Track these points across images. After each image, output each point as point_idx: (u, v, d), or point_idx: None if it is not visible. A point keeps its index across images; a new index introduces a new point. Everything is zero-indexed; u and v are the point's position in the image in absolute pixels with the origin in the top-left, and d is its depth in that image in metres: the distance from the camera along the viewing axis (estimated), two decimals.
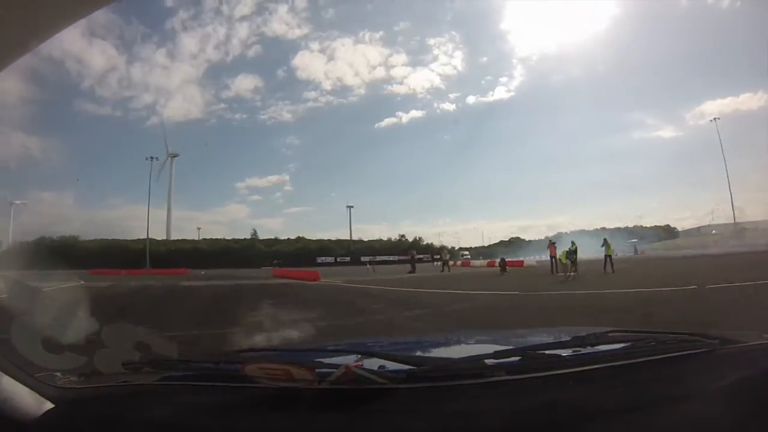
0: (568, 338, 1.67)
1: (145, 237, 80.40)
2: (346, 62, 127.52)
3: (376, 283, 21.46)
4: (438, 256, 73.68)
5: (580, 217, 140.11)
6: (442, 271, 33.16)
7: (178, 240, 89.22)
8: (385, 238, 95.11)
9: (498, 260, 35.29)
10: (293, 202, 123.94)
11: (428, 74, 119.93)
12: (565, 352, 1.47)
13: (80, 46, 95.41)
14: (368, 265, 47.37)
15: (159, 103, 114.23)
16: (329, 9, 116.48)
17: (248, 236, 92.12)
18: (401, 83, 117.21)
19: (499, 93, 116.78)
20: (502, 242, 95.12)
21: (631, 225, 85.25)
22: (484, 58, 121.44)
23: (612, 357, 1.43)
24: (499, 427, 1.16)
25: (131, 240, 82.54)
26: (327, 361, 1.48)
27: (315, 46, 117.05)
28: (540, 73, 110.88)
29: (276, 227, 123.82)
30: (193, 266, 60.62)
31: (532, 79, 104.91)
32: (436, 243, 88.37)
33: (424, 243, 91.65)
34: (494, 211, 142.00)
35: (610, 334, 1.69)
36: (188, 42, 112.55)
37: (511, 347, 1.57)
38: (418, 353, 1.86)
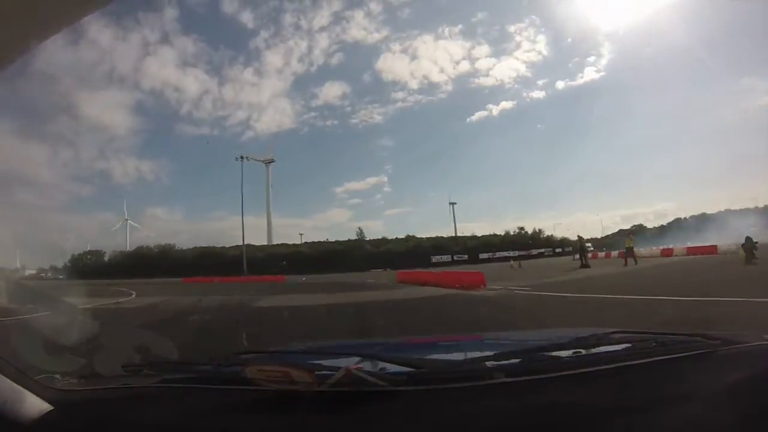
0: (569, 340, 1.66)
1: (247, 243, 78.64)
2: (429, 59, 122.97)
3: (579, 289, 13.29)
4: (560, 250, 70.16)
5: (688, 203, 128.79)
6: (583, 265, 26.13)
7: (278, 245, 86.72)
8: (501, 233, 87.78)
9: (704, 245, 29.55)
10: (393, 203, 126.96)
11: (513, 63, 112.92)
12: (565, 354, 1.46)
13: (176, 76, 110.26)
14: (511, 261, 41.49)
15: (252, 118, 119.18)
16: (405, 9, 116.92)
17: (352, 238, 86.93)
18: (487, 75, 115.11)
19: (589, 74, 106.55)
20: (621, 231, 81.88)
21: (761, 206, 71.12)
22: (569, 39, 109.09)
23: (613, 358, 1.42)
24: (500, 428, 1.16)
25: (229, 246, 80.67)
26: (327, 363, 1.45)
27: (396, 47, 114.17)
28: (630, 48, 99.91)
29: (378, 229, 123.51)
30: (294, 271, 56.94)
31: (621, 56, 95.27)
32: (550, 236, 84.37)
33: (545, 235, 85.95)
34: (595, 201, 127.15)
35: (610, 335, 1.69)
36: (273, 58, 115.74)
37: (512, 349, 1.59)
38: (419, 355, 1.81)
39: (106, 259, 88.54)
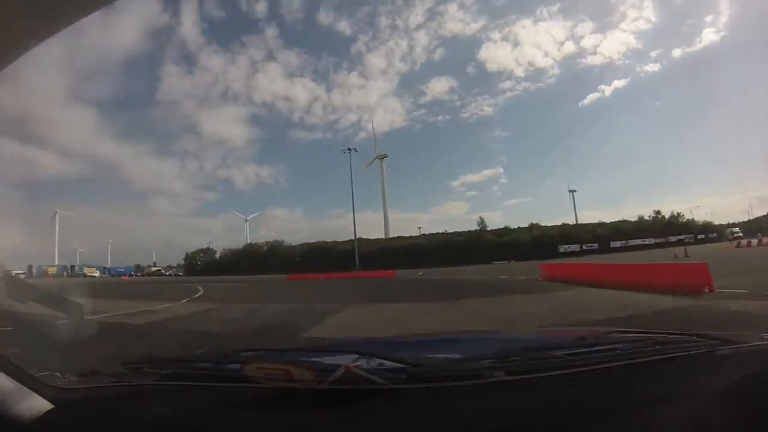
0: (568, 339, 1.68)
1: (362, 237, 77.08)
2: (532, 44, 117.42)
3: None
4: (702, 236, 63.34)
5: None
6: None
7: (393, 238, 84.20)
8: (634, 218, 78.62)
9: None
10: (510, 193, 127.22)
11: (621, 36, 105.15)
12: (564, 353, 1.45)
13: (285, 87, 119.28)
14: (675, 251, 34.61)
15: (363, 119, 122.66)
16: None
17: (472, 229, 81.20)
18: (594, 53, 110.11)
19: (708, 37, 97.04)
20: None
21: None
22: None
23: (612, 357, 1.40)
24: (499, 427, 1.15)
25: (342, 241, 79.32)
26: (326, 361, 1.46)
27: (496, 35, 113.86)
28: None
29: (497, 221, 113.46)
30: (410, 265, 53.21)
31: (744, 9, 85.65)
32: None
33: (684, 219, 76.44)
34: (727, 183, 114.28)
35: (610, 335, 1.69)
36: (375, 60, 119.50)
37: (511, 348, 1.59)
38: (418, 353, 1.82)
39: (217, 256, 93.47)
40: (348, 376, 1.28)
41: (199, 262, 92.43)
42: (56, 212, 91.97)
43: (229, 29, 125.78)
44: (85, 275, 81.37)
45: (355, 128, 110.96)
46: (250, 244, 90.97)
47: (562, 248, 66.55)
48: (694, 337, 1.54)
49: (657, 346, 1.48)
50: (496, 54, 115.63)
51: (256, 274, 56.59)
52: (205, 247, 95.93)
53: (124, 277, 70.09)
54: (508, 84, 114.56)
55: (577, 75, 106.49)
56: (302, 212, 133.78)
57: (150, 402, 1.36)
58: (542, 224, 77.66)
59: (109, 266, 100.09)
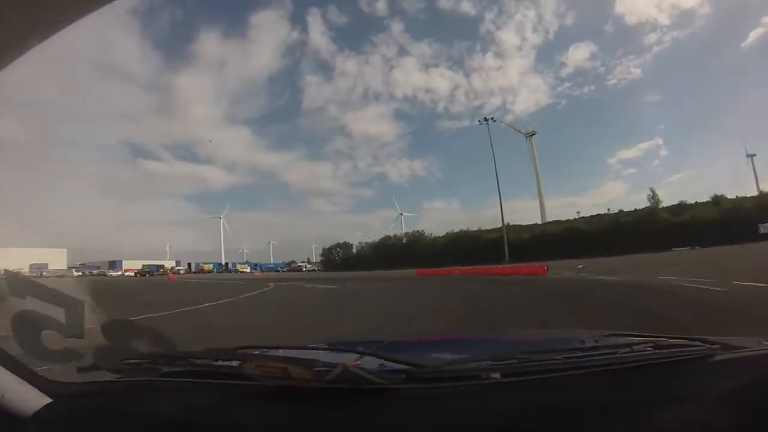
0: (567, 341, 1.68)
1: (513, 224, 69.09)
2: None
3: None
4: None
5: None
6: None
7: (548, 222, 73.67)
8: None
9: None
10: (672, 168, 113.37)
11: None
12: (563, 355, 1.45)
13: (423, 79, 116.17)
14: None
15: (508, 101, 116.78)
16: None
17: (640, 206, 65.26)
18: None
19: None
20: None
21: None
22: None
23: (610, 360, 1.40)
24: (499, 428, 1.16)
25: (488, 229, 70.89)
26: (325, 359, 1.45)
27: None
28: None
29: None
30: (567, 254, 44.15)
31: None
32: None
33: None
34: None
35: (608, 338, 1.70)
36: (507, 37, 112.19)
37: (510, 349, 1.60)
38: (417, 354, 1.81)
39: (354, 251, 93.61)
40: (347, 376, 1.27)
41: (335, 258, 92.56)
42: (221, 218, 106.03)
43: (356, 33, 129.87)
44: (237, 271, 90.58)
45: (501, 111, 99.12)
46: (388, 237, 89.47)
47: (764, 227, 47.00)
48: (694, 342, 1.53)
49: (656, 350, 1.48)
50: (633, 3, 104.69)
51: (389, 269, 53.75)
52: (341, 242, 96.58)
53: (256, 273, 75.24)
54: (653, 37, 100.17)
55: (731, 10, 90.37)
56: (459, 203, 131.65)
57: (148, 398, 1.38)
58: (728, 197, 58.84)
59: (272, 262, 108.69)
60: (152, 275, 77.73)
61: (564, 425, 1.15)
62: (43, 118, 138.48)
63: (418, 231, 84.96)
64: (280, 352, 1.72)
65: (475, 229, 74.72)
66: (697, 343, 1.50)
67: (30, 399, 1.34)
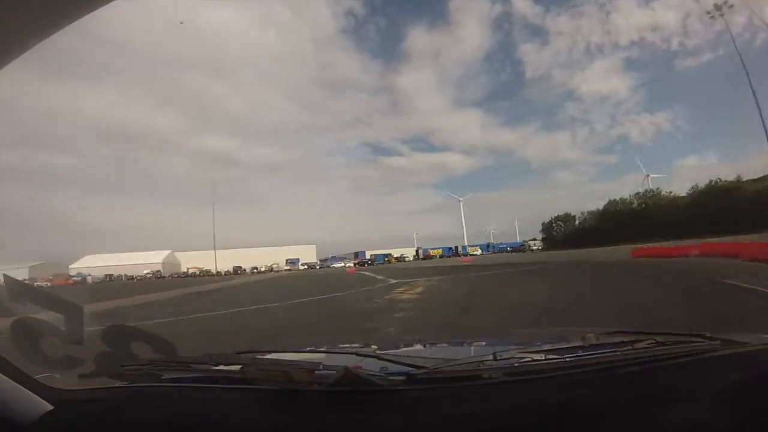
0: (568, 339, 1.67)
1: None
2: None
3: None
4: None
5: None
6: None
7: None
8: None
9: None
10: None
11: None
12: (563, 354, 1.45)
13: (646, 15, 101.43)
14: None
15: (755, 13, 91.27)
16: None
17: None
18: None
19: None
20: None
21: None
22: None
23: (612, 358, 1.41)
24: (500, 428, 1.17)
25: (756, 178, 49.30)
26: (327, 362, 1.45)
27: None
28: None
29: None
30: None
31: None
32: None
33: None
34: None
35: (609, 335, 1.69)
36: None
37: (511, 348, 1.57)
38: (418, 355, 1.84)
39: (576, 223, 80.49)
40: (348, 378, 1.27)
41: (556, 233, 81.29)
42: (459, 201, 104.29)
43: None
44: (467, 254, 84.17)
45: (751, 30, 69.41)
46: (613, 202, 71.07)
47: None
48: (695, 338, 1.53)
49: (657, 347, 1.47)
50: None
51: (615, 242, 43.65)
52: (561, 213, 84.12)
53: (464, 259, 64.48)
54: None
55: None
56: (716, 156, 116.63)
57: (150, 404, 1.37)
58: None
59: (518, 240, 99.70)
60: (372, 265, 77.13)
61: (567, 424, 1.15)
62: (306, 132, 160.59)
63: (650, 190, 66.76)
64: (282, 356, 1.72)
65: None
66: (698, 339, 1.50)
67: (31, 406, 1.34)
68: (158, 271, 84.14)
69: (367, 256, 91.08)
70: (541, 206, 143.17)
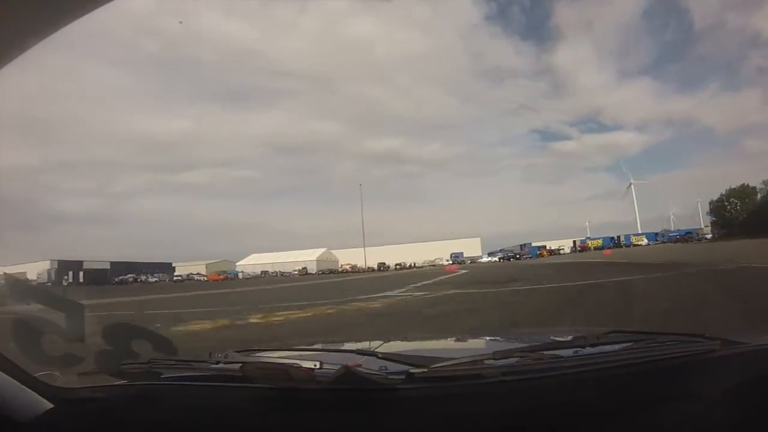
0: (568, 339, 1.66)
1: None
2: None
3: None
4: None
5: None
6: None
7: None
8: None
9: None
10: None
11: None
12: (564, 353, 1.45)
13: None
14: None
15: None
16: None
17: None
18: None
19: None
20: None
21: None
22: None
23: (612, 358, 1.41)
24: (499, 427, 1.17)
25: None
26: (326, 361, 1.45)
27: None
28: None
29: None
30: None
31: None
32: None
33: None
34: None
35: (609, 335, 1.69)
36: None
37: (511, 348, 1.58)
38: (418, 354, 1.79)
39: (758, 197, 62.98)
40: (348, 377, 1.27)
41: (728, 213, 63.81)
42: (630, 183, 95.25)
43: None
44: (632, 244, 74.77)
45: None
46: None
47: None
48: (695, 338, 1.53)
49: (657, 347, 1.47)
50: None
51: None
52: (737, 186, 64.89)
53: (605, 252, 57.12)
54: None
55: None
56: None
57: (150, 402, 1.37)
58: None
59: (702, 225, 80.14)
60: (519, 259, 71.92)
61: (564, 424, 1.15)
62: (472, 125, 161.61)
63: None
64: (281, 355, 1.72)
65: None
66: (698, 339, 1.50)
67: (31, 404, 1.34)
68: (304, 268, 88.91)
69: (515, 248, 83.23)
70: (730, 181, 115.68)
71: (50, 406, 1.36)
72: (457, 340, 2.67)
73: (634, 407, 1.19)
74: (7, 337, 1.44)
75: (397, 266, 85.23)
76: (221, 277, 76.45)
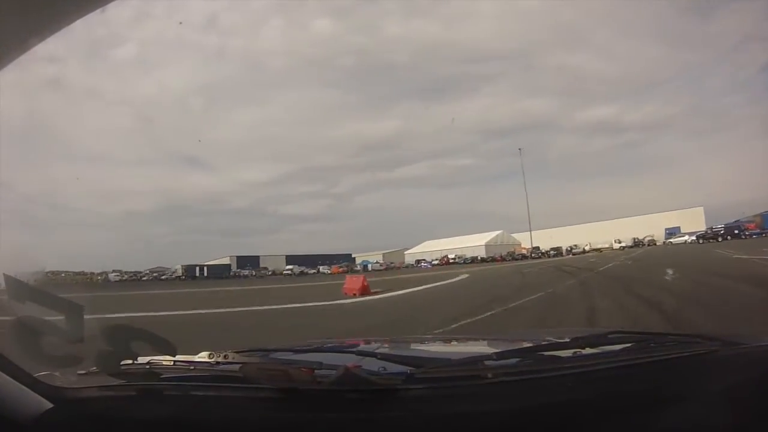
0: (568, 339, 1.67)
1: None
2: None
3: None
4: None
5: None
6: None
7: None
8: None
9: None
10: None
11: None
12: (564, 354, 1.45)
13: None
14: None
15: None
16: None
17: None
18: None
19: None
20: None
21: None
22: None
23: (612, 358, 1.41)
24: (499, 428, 1.17)
25: None
26: (326, 362, 1.44)
27: None
28: None
29: None
30: None
31: None
32: None
33: None
34: None
35: (609, 336, 1.68)
36: None
37: (511, 348, 1.59)
38: (418, 354, 1.85)
39: None
40: (348, 377, 1.27)
41: None
42: None
43: None
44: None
45: None
46: None
47: None
48: (696, 338, 1.53)
49: (656, 348, 1.48)
50: None
51: None
52: None
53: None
54: None
55: None
56: None
57: (150, 402, 1.38)
58: None
59: None
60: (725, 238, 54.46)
61: (564, 425, 1.15)
62: (689, 73, 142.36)
63: None
64: (281, 355, 1.72)
65: None
66: (698, 339, 1.50)
67: (31, 405, 1.35)
68: (445, 257, 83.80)
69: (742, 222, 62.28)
70: None
71: (50, 406, 1.37)
72: (457, 340, 2.69)
73: (634, 407, 1.18)
74: (7, 338, 1.45)
75: (570, 250, 75.34)
76: (341, 269, 75.05)
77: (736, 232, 58.54)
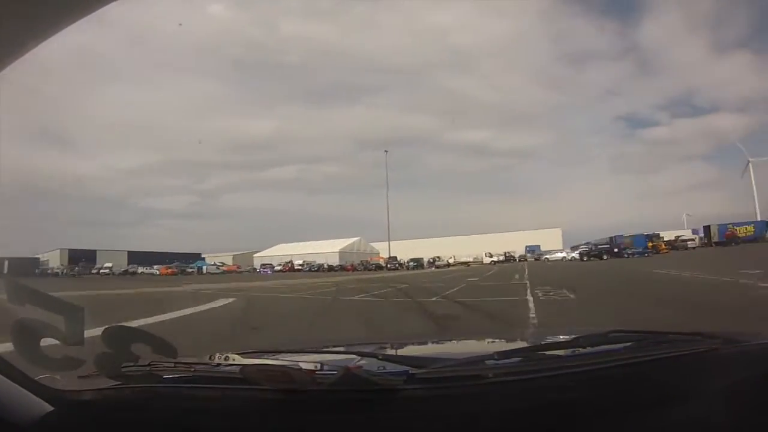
0: (569, 339, 1.66)
1: None
2: None
3: None
4: None
5: None
6: None
7: None
8: None
9: None
10: None
11: None
12: (565, 353, 1.46)
13: None
14: None
15: None
16: None
17: None
18: None
19: None
20: None
21: None
22: None
23: (612, 357, 1.41)
24: (500, 428, 1.17)
25: None
26: (327, 363, 1.46)
27: None
28: None
29: None
30: None
31: None
32: None
33: None
34: None
35: (610, 335, 1.68)
36: None
37: (512, 348, 1.59)
38: (418, 354, 1.84)
39: None
40: (349, 378, 1.27)
41: None
42: (748, 162, 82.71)
43: None
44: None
45: None
46: None
47: None
48: (696, 336, 1.52)
49: (657, 346, 1.47)
50: None
51: None
52: None
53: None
54: None
55: None
56: None
57: (150, 404, 1.37)
58: None
59: None
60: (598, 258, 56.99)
61: (565, 425, 1.15)
62: (556, 113, 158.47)
63: None
64: (282, 357, 1.71)
65: None
66: (699, 337, 1.49)
67: (31, 407, 1.33)
68: (289, 262, 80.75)
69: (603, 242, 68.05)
70: None
71: (51, 408, 1.36)
72: (458, 340, 2.69)
73: (634, 407, 1.19)
74: (7, 340, 1.42)
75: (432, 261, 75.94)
76: (170, 271, 71.14)
77: (616, 251, 60.17)
